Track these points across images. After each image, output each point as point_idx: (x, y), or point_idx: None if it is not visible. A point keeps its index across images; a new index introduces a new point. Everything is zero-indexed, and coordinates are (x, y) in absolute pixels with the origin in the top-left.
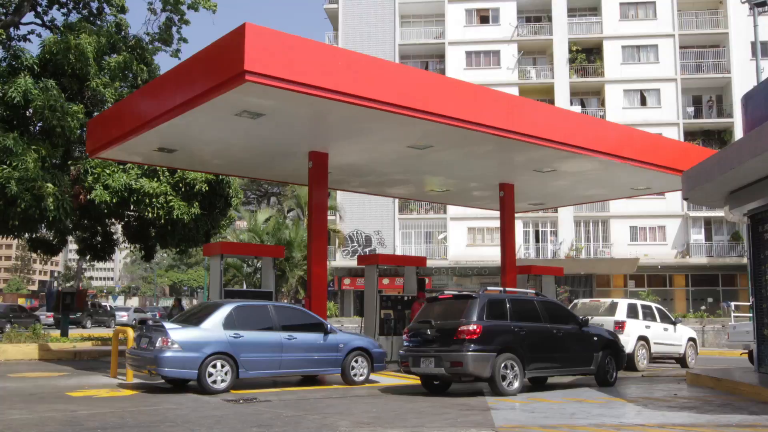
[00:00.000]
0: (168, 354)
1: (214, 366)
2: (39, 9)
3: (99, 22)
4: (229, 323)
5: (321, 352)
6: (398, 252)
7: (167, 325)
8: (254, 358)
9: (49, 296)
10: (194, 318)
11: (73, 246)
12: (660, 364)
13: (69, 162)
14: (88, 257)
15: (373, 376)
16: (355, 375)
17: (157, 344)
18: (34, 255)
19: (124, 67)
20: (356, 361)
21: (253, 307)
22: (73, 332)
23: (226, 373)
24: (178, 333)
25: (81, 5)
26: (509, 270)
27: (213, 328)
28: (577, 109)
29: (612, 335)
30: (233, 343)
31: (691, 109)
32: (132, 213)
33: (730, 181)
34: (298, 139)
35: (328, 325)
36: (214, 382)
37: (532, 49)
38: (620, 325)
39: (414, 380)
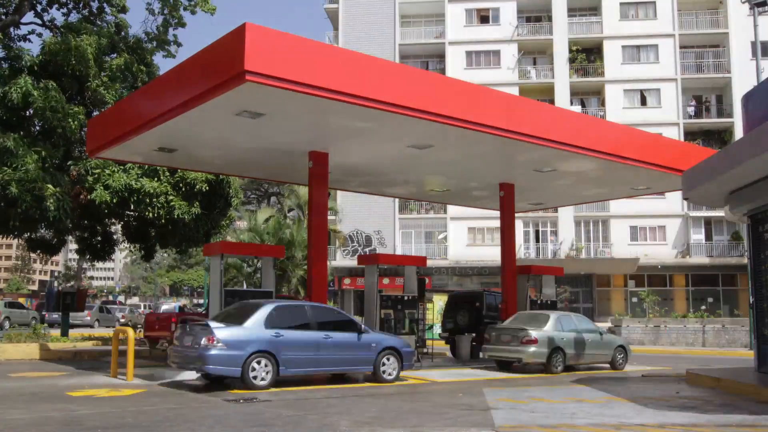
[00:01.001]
0: (213, 352)
1: (259, 363)
2: (39, 8)
3: (99, 22)
4: (270, 322)
5: (355, 350)
6: (398, 252)
7: (212, 324)
8: (294, 356)
9: (49, 296)
10: (236, 317)
11: (73, 246)
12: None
13: (69, 162)
14: (88, 257)
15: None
16: (384, 373)
17: (203, 342)
18: (33, 255)
19: (125, 68)
20: (387, 360)
21: (291, 307)
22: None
23: (267, 372)
24: (222, 332)
25: (81, 5)
26: (509, 270)
27: (255, 327)
28: (577, 109)
29: None
30: (274, 341)
31: (691, 109)
32: (132, 213)
33: (730, 181)
34: (298, 139)
35: (362, 325)
36: (255, 378)
37: (532, 49)
38: None
39: (417, 380)
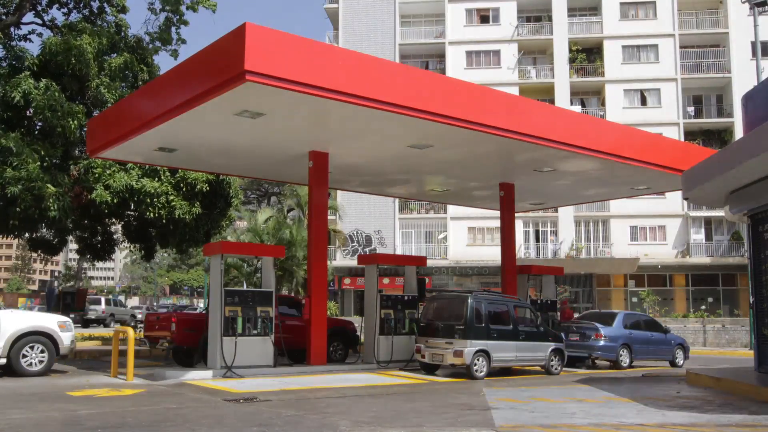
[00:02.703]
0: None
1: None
2: (39, 8)
3: (99, 22)
4: (625, 324)
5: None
6: (398, 251)
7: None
8: (639, 348)
9: (50, 296)
10: (604, 319)
11: (73, 246)
12: None
13: (69, 162)
14: (88, 257)
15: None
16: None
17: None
18: (34, 255)
19: (125, 67)
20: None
21: (638, 315)
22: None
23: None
24: (604, 330)
25: (81, 5)
26: (509, 270)
27: (617, 327)
28: (578, 109)
29: None
30: (629, 337)
31: (691, 109)
32: (132, 213)
33: (730, 181)
34: (298, 139)
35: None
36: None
37: (532, 49)
38: None
39: (415, 380)
